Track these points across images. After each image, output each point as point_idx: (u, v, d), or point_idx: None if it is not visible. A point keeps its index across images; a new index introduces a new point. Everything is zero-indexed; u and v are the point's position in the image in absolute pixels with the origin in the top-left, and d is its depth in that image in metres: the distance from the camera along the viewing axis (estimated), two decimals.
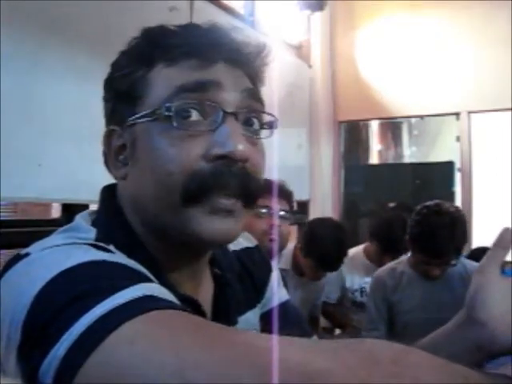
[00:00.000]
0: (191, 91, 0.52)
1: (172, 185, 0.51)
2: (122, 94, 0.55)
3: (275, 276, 0.75)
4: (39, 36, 1.78)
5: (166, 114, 0.51)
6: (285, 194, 1.80)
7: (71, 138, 1.80)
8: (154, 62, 0.54)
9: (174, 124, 0.51)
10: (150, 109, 0.53)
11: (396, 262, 2.02)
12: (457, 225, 1.73)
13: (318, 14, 3.61)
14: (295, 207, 1.94)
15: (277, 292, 0.74)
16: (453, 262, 1.79)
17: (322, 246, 2.07)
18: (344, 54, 3.94)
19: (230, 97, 0.53)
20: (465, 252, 3.31)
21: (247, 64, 0.56)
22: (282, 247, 1.85)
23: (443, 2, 3.51)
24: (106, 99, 0.59)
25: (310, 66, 3.86)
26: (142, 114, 0.53)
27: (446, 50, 3.58)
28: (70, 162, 1.80)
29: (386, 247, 2.43)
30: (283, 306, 0.74)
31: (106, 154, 0.58)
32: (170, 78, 0.53)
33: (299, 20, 3.77)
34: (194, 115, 0.52)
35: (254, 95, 0.56)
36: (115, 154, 0.57)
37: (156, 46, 0.55)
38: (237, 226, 0.54)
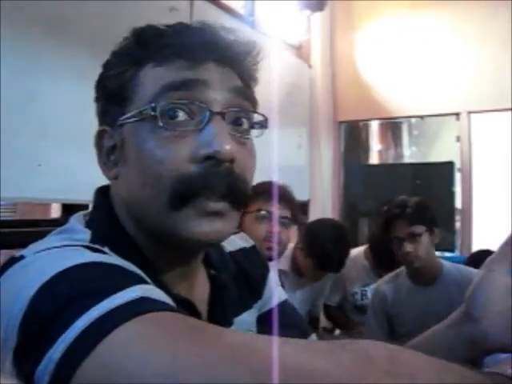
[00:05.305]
0: (176, 90, 0.51)
1: (160, 187, 0.51)
2: (112, 94, 0.55)
3: (272, 276, 0.75)
4: (39, 36, 1.78)
5: (152, 113, 0.51)
6: (287, 200, 1.81)
7: (71, 138, 1.80)
8: (143, 62, 0.54)
9: (160, 124, 0.50)
10: (138, 109, 0.53)
11: (395, 272, 2.02)
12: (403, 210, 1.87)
13: (317, 14, 3.61)
14: (298, 214, 1.95)
15: (275, 292, 0.74)
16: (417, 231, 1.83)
17: (325, 248, 2.07)
18: (344, 54, 3.94)
19: (217, 96, 0.53)
20: (465, 254, 3.32)
21: (237, 63, 0.56)
22: (280, 253, 1.86)
23: (443, 2, 3.51)
24: (98, 99, 0.58)
25: (310, 66, 3.86)
26: (130, 114, 0.53)
27: (445, 50, 3.58)
28: (70, 162, 1.81)
29: (381, 263, 2.47)
30: (281, 305, 0.74)
31: (98, 154, 0.58)
32: (157, 77, 0.53)
33: (299, 20, 3.76)
34: (181, 115, 0.51)
35: (243, 94, 0.55)
36: (107, 154, 0.57)
37: (146, 46, 0.54)
38: (226, 226, 0.53)
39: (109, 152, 0.57)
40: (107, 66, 0.58)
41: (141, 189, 0.52)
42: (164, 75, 0.52)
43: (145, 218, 0.54)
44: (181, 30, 0.55)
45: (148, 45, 0.54)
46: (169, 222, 0.52)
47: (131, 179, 0.54)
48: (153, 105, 0.51)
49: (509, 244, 0.58)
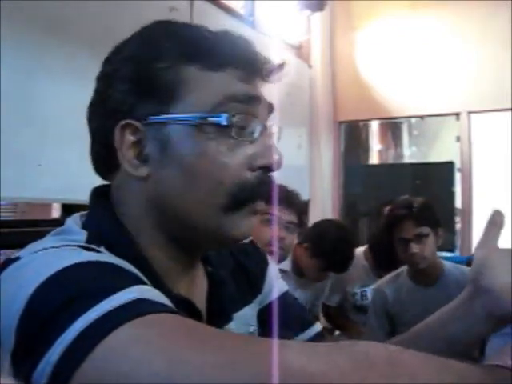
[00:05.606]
0: (240, 102, 0.54)
1: (219, 191, 0.53)
2: (146, 89, 0.53)
3: (272, 269, 0.75)
4: (39, 36, 1.78)
5: (221, 122, 0.52)
6: (294, 205, 1.81)
7: (71, 138, 1.80)
8: (185, 62, 0.53)
9: (229, 133, 0.53)
10: (193, 112, 0.52)
11: (396, 272, 2.02)
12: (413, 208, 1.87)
13: (317, 14, 3.61)
14: (304, 219, 1.95)
15: (276, 285, 0.74)
16: (425, 232, 1.83)
17: (332, 248, 2.08)
18: (344, 54, 3.94)
19: (264, 110, 0.58)
20: (465, 254, 3.32)
21: (269, 80, 0.59)
22: (283, 258, 1.87)
23: (443, 2, 3.51)
24: (119, 91, 0.54)
25: (310, 66, 3.86)
26: (185, 115, 0.53)
27: (445, 50, 3.58)
28: (70, 162, 1.80)
29: (381, 264, 2.48)
30: (282, 297, 0.74)
31: (110, 149, 0.54)
32: (216, 84, 0.54)
33: (299, 20, 3.77)
34: (242, 126, 0.54)
35: (271, 108, 0.61)
36: (128, 150, 0.54)
37: (190, 47, 0.54)
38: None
39: (129, 148, 0.54)
40: (136, 58, 0.54)
41: (194, 191, 0.53)
42: (224, 84, 0.54)
43: (186, 219, 0.54)
44: (228, 39, 0.56)
45: (198, 46, 0.54)
46: (219, 223, 0.54)
47: (178, 181, 0.53)
48: (223, 115, 0.53)
49: (491, 225, 0.66)
